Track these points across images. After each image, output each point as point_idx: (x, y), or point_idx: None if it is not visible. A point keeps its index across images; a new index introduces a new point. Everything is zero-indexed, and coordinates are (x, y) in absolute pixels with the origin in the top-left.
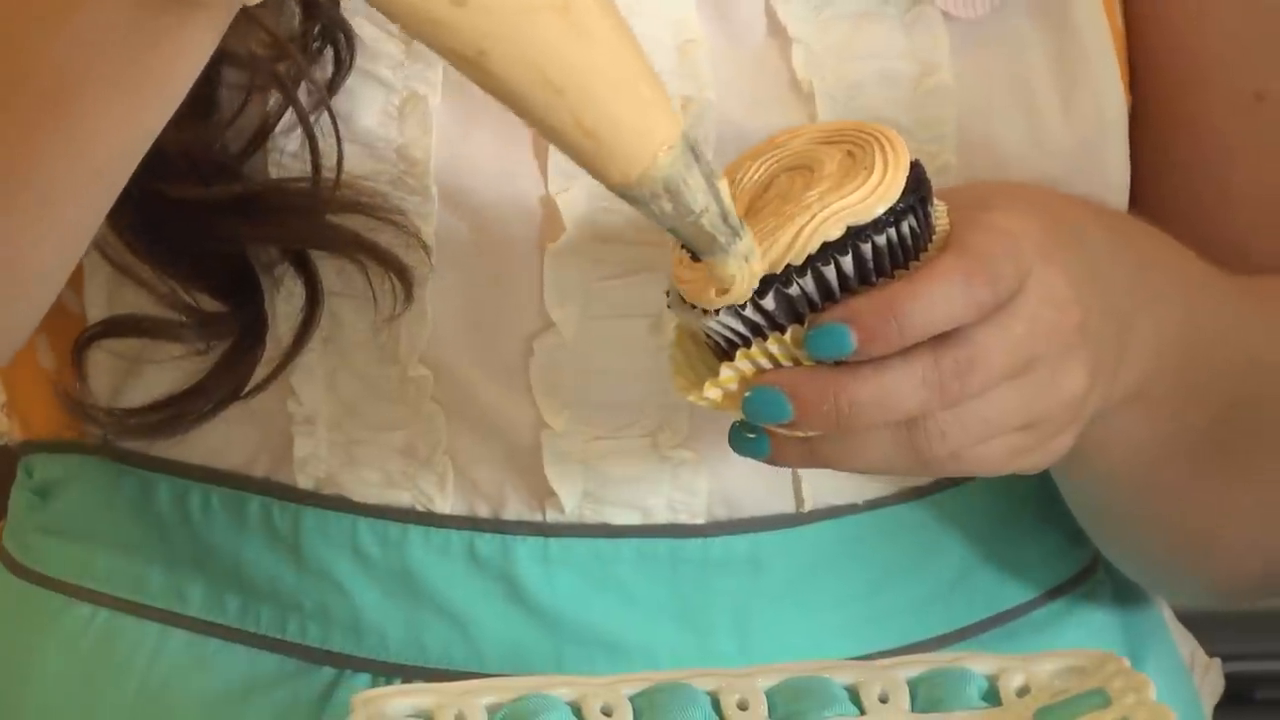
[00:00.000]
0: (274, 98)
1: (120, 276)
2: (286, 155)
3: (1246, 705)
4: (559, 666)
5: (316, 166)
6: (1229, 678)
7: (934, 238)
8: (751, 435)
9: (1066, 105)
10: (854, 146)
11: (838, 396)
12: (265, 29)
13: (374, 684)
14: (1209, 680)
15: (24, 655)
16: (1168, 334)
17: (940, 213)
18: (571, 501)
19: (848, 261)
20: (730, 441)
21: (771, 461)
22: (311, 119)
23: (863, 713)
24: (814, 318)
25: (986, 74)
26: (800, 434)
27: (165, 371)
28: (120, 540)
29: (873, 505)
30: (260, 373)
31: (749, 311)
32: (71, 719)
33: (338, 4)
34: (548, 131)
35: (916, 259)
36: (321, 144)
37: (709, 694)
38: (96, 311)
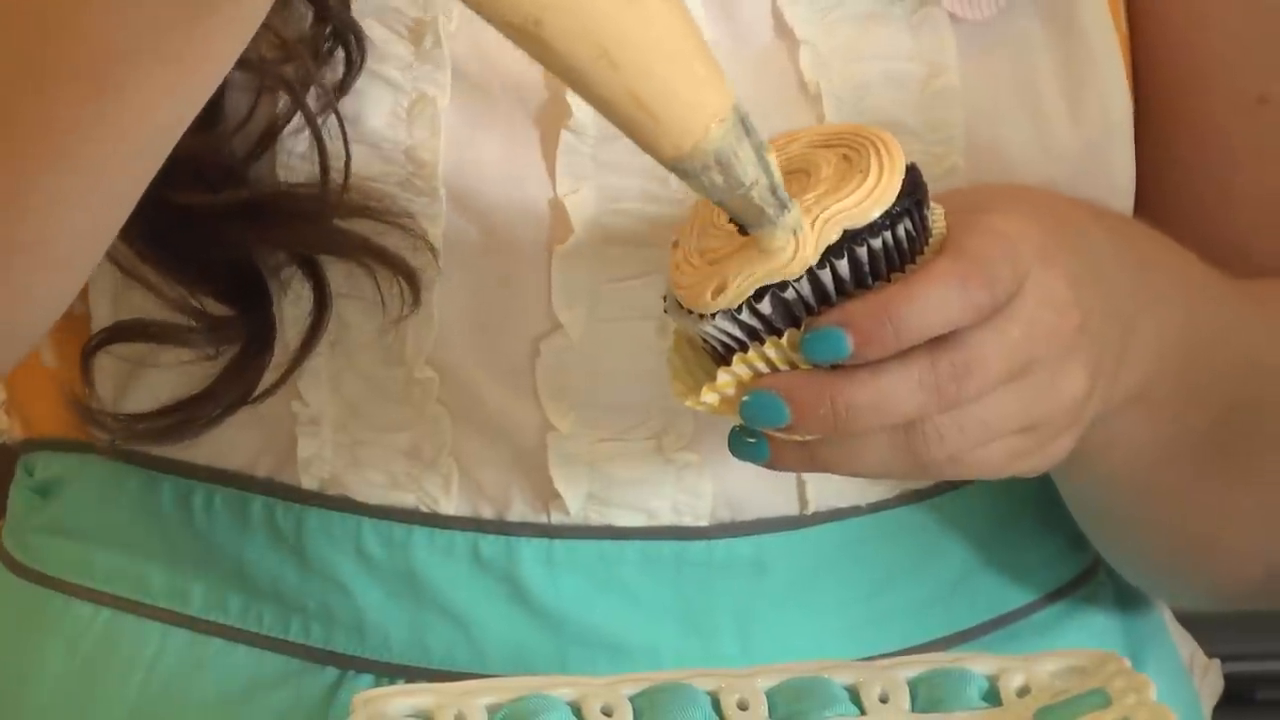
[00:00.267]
0: (282, 100)
1: (126, 279)
2: (295, 157)
3: (1246, 706)
4: (562, 668)
5: (325, 170)
6: (1228, 678)
7: (930, 241)
8: (751, 440)
9: (1073, 107)
10: (850, 150)
11: (834, 400)
12: (274, 31)
13: (377, 685)
14: (1208, 681)
15: (24, 655)
16: (1169, 336)
17: (937, 216)
18: (576, 503)
19: (844, 265)
20: (730, 446)
21: (771, 466)
22: (319, 120)
23: (863, 713)
24: (810, 322)
25: (993, 76)
26: (799, 438)
27: (170, 374)
28: (122, 539)
29: (875, 508)
30: (269, 378)
31: (745, 316)
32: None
33: (348, 6)
34: (600, 104)
35: (913, 262)
36: (330, 147)
37: (709, 694)
38: (101, 312)
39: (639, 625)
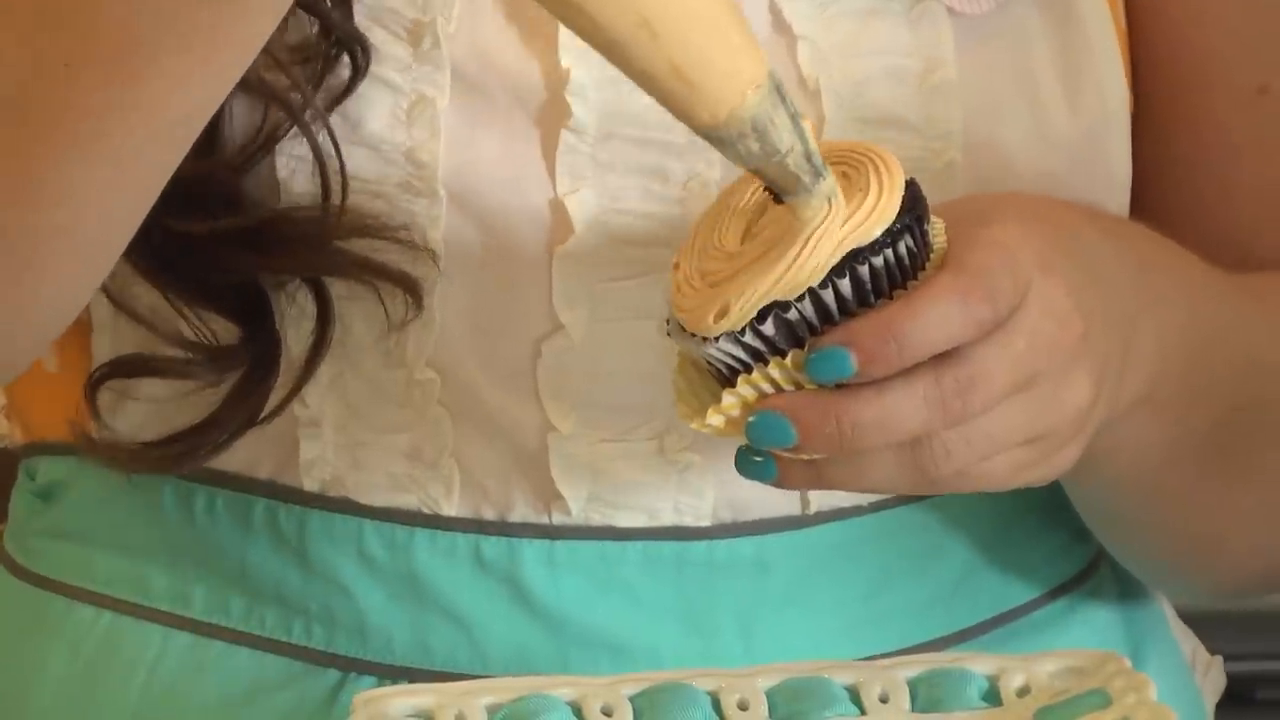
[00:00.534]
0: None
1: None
2: (295, 159)
3: (1247, 705)
4: (564, 669)
5: (326, 192)
6: (1230, 677)
7: (932, 256)
8: (758, 459)
9: (1071, 97)
10: (849, 168)
11: (840, 419)
12: (271, 54)
13: (379, 686)
14: (1210, 678)
15: (26, 658)
16: (1171, 336)
17: (938, 230)
18: (578, 504)
19: (846, 284)
20: (737, 466)
21: (778, 485)
22: (317, 133)
23: (863, 713)
24: (814, 341)
25: (991, 69)
26: (806, 457)
27: (172, 391)
28: (124, 542)
29: (877, 507)
30: (274, 398)
31: (749, 337)
32: None
33: (351, 16)
34: (638, 75)
35: (915, 278)
36: (328, 164)
37: (709, 694)
38: (103, 313)
39: (640, 626)
